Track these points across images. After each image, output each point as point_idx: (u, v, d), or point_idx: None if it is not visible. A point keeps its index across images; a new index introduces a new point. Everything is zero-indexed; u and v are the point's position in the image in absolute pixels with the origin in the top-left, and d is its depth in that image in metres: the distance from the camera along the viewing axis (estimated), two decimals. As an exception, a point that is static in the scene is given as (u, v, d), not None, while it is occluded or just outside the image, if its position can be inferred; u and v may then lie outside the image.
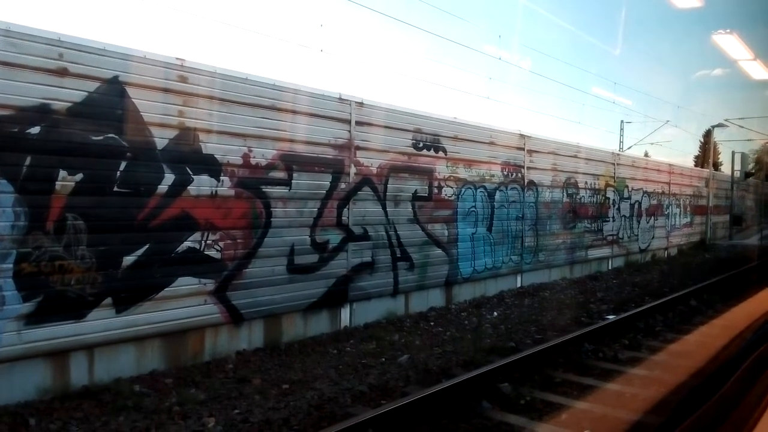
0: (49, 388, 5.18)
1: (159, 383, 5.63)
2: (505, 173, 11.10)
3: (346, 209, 7.92)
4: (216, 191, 6.41)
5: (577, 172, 13.53)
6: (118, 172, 5.61)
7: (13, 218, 4.92)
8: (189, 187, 6.17)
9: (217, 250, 6.44)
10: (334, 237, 7.78)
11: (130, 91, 5.68)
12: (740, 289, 9.62)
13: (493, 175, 10.75)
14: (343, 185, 7.85)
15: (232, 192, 6.56)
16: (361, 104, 8.10)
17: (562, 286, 12.22)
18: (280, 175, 7.08)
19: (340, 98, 7.82)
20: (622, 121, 33.19)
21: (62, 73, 5.23)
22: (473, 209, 10.28)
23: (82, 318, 5.37)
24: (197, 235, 6.25)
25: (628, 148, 31.06)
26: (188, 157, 6.16)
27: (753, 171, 34.28)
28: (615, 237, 15.44)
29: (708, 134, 37.03)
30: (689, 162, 45.11)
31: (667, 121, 29.34)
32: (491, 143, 10.72)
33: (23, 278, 4.98)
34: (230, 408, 5.10)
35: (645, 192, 17.23)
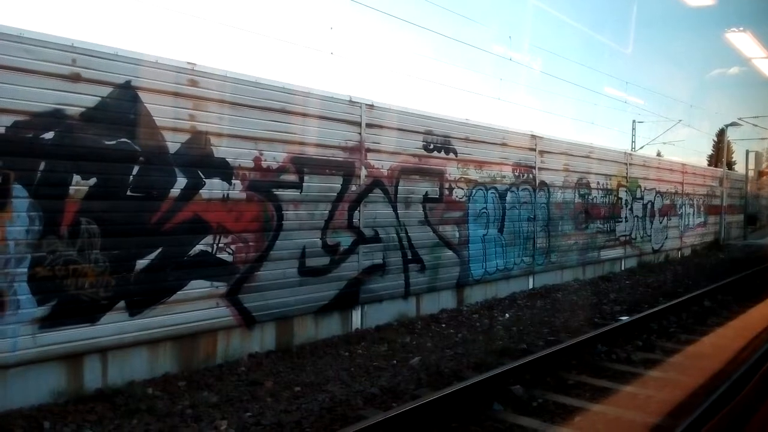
0: (63, 392, 5.21)
1: (172, 386, 5.66)
2: (517, 174, 11.05)
3: (357, 211, 7.92)
4: (228, 194, 6.43)
5: (589, 173, 13.45)
6: (131, 177, 5.65)
7: (27, 223, 4.97)
8: (201, 191, 6.20)
9: (229, 253, 6.46)
10: (345, 239, 7.78)
11: (142, 96, 5.72)
12: (756, 290, 9.52)
13: (504, 176, 10.71)
14: (353, 187, 7.85)
15: (243, 195, 6.58)
16: (371, 106, 8.11)
17: (574, 287, 12.15)
18: (291, 177, 7.10)
19: (350, 101, 7.83)
20: (634, 121, 32.95)
21: (75, 78, 5.27)
22: (484, 210, 10.25)
23: (95, 321, 5.41)
24: (209, 239, 6.27)
25: (641, 147, 30.85)
26: (200, 160, 6.19)
27: None
28: (628, 237, 15.32)
29: (721, 133, 36.67)
30: (703, 161, 44.75)
31: (680, 120, 29.15)
32: (502, 144, 10.68)
33: (38, 282, 5.02)
34: (242, 411, 5.11)
35: (658, 192, 17.09)
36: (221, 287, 6.40)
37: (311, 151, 7.33)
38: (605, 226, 14.25)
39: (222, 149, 6.39)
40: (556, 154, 12.23)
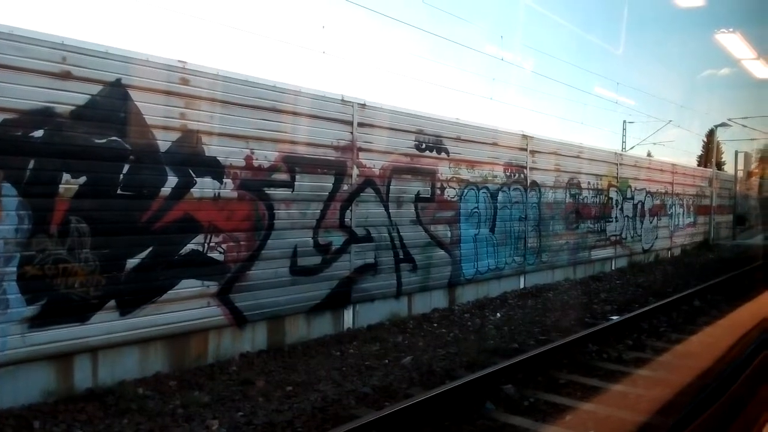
0: (53, 391, 5.18)
1: (163, 386, 5.63)
2: (508, 174, 11.08)
3: (348, 211, 7.91)
4: (219, 193, 6.41)
5: (579, 173, 13.51)
6: (121, 175, 5.61)
7: (16, 221, 4.92)
8: (192, 190, 6.17)
9: (220, 253, 6.43)
10: (337, 239, 7.78)
11: (133, 94, 5.69)
12: (745, 289, 9.59)
13: (495, 176, 10.74)
14: (345, 187, 7.85)
15: (234, 194, 6.56)
16: (363, 106, 8.10)
17: (565, 287, 12.19)
18: (283, 176, 7.08)
19: (342, 100, 7.82)
20: (624, 121, 33.21)
21: (65, 76, 5.23)
22: (476, 210, 10.27)
23: (85, 321, 5.37)
24: (200, 238, 6.25)
25: (631, 148, 31.05)
26: (191, 159, 6.16)
27: (756, 170, 34.16)
28: (618, 237, 15.41)
29: (711, 134, 36.96)
30: (692, 162, 45.03)
31: (670, 120, 29.34)
32: (494, 144, 10.71)
33: (27, 281, 4.98)
34: (234, 410, 5.09)
35: (648, 192, 17.20)
36: (212, 286, 6.38)
37: (303, 150, 7.31)
38: (596, 226, 14.32)
39: (213, 148, 6.37)
40: (547, 154, 12.27)
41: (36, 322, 5.05)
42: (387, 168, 8.50)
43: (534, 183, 11.85)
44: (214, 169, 6.37)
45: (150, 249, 5.83)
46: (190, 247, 6.16)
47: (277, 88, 7.01)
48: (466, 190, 10.00)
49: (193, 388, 5.62)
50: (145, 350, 5.88)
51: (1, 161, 4.85)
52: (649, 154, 32.11)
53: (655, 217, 17.69)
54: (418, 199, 9.03)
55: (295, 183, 7.20)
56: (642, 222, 16.84)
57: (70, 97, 5.26)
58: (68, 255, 5.22)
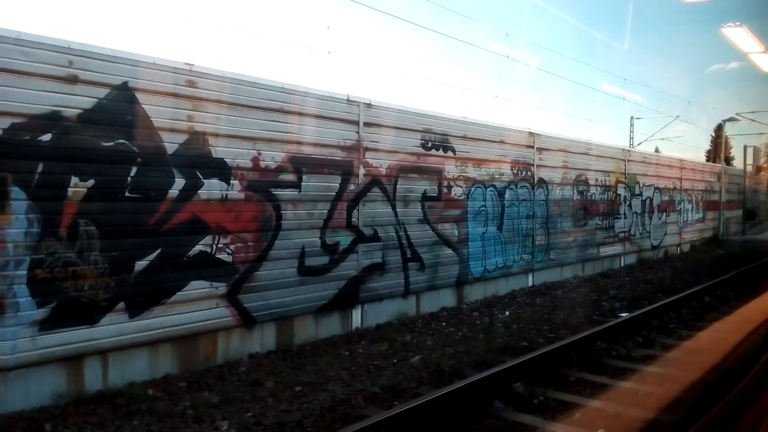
0: (63, 394, 5.22)
1: (172, 387, 5.66)
2: (515, 171, 11.06)
3: (355, 210, 7.92)
4: (226, 195, 6.43)
5: (587, 169, 13.46)
6: (129, 178, 5.65)
7: (26, 225, 4.96)
8: (199, 191, 6.19)
9: (228, 254, 6.46)
10: (344, 238, 7.78)
11: (140, 97, 5.72)
12: (754, 285, 9.53)
13: (502, 174, 10.72)
14: (352, 186, 7.85)
15: (242, 195, 6.58)
16: (369, 105, 8.10)
17: (574, 284, 12.16)
18: (290, 177, 7.10)
19: (348, 100, 7.83)
20: (632, 117, 32.95)
21: (72, 80, 5.27)
22: (483, 208, 10.25)
23: (95, 323, 5.41)
24: (208, 239, 6.27)
25: (639, 144, 30.86)
26: (198, 161, 6.19)
27: (766, 165, 33.91)
28: (627, 234, 15.33)
29: (719, 129, 36.70)
30: (701, 157, 44.75)
31: (678, 116, 29.07)
32: (500, 142, 10.69)
33: (37, 284, 5.02)
34: (243, 411, 5.11)
35: (656, 188, 17.10)
36: (221, 288, 6.40)
37: (309, 151, 7.33)
38: (604, 222, 14.25)
39: (220, 149, 6.39)
40: (554, 151, 12.23)
41: (46, 325, 5.09)
42: (393, 167, 8.50)
43: (541, 180, 11.81)
44: (222, 170, 6.40)
45: (158, 251, 5.86)
46: (198, 248, 6.19)
47: (283, 89, 7.03)
48: (473, 189, 9.99)
49: (203, 389, 5.65)
50: (155, 352, 5.91)
51: (10, 165, 4.89)
52: (657, 150, 31.92)
53: (664, 213, 17.59)
54: (425, 198, 9.02)
55: (302, 183, 7.21)
56: (650, 218, 16.75)
57: (77, 101, 5.30)
58: (77, 258, 5.26)
